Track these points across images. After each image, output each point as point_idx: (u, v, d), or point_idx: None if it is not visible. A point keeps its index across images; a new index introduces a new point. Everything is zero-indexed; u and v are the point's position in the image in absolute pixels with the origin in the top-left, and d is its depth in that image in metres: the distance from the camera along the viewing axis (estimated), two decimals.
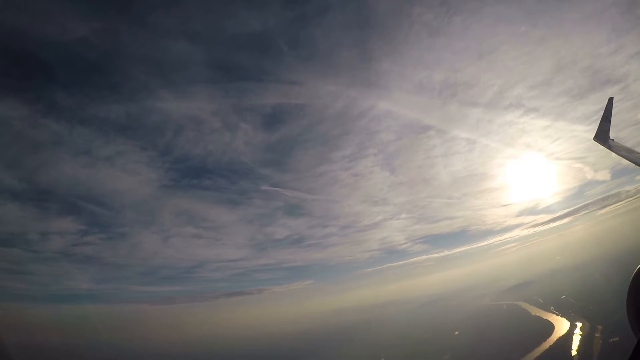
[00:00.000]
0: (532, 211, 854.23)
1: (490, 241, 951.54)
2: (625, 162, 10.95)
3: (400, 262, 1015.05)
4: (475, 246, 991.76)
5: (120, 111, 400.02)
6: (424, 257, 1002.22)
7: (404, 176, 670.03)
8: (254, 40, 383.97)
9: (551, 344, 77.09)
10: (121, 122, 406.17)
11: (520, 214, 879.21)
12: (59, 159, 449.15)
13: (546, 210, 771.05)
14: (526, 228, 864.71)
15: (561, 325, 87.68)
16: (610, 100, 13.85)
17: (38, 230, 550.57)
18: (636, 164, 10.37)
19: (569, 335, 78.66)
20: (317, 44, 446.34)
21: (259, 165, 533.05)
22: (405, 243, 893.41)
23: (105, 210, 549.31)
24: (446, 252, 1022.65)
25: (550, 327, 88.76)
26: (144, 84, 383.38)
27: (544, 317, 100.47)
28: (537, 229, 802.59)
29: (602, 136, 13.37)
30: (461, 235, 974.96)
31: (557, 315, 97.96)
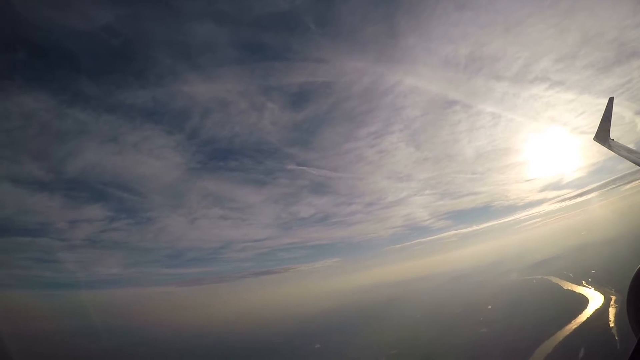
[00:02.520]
0: (556, 186, 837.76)
1: (515, 217, 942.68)
2: None
3: (425, 239, 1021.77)
4: (499, 222, 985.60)
5: (147, 97, 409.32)
6: (448, 233, 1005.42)
7: (428, 152, 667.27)
8: (280, 19, 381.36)
9: (588, 316, 79.80)
10: (147, 108, 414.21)
11: (544, 189, 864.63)
12: (86, 147, 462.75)
13: (570, 185, 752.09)
14: (550, 203, 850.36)
15: (595, 299, 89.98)
16: (611, 100, 13.76)
17: (66, 219, 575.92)
18: (637, 164, 10.31)
19: (604, 308, 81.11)
20: (344, 20, 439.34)
21: (285, 145, 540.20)
22: (429, 219, 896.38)
23: (132, 196, 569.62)
24: (470, 228, 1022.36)
25: (584, 300, 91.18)
26: (170, 68, 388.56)
27: (577, 291, 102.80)
28: (561, 204, 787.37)
29: (602, 136, 13.30)
30: (485, 211, 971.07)
31: (590, 288, 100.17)
